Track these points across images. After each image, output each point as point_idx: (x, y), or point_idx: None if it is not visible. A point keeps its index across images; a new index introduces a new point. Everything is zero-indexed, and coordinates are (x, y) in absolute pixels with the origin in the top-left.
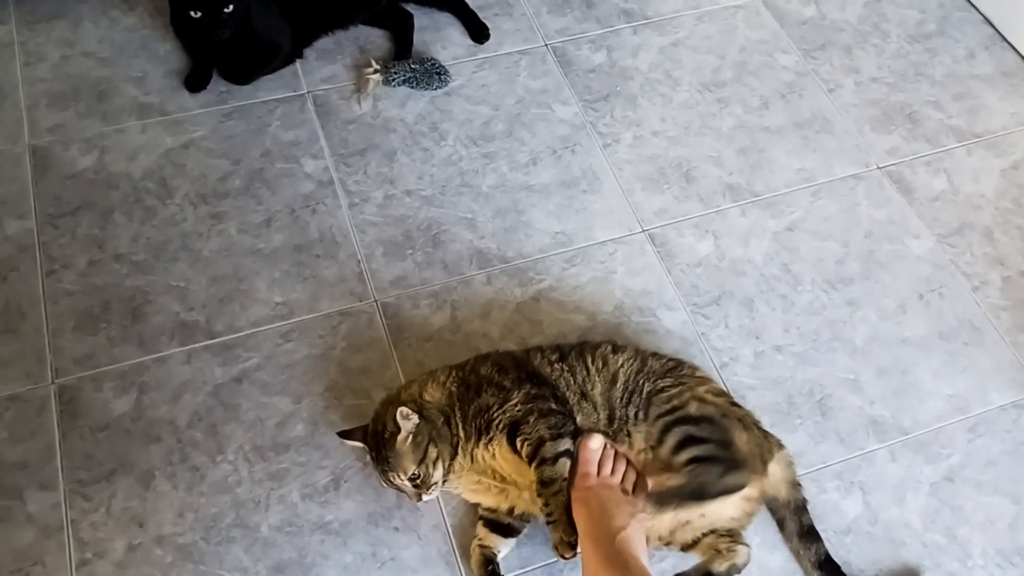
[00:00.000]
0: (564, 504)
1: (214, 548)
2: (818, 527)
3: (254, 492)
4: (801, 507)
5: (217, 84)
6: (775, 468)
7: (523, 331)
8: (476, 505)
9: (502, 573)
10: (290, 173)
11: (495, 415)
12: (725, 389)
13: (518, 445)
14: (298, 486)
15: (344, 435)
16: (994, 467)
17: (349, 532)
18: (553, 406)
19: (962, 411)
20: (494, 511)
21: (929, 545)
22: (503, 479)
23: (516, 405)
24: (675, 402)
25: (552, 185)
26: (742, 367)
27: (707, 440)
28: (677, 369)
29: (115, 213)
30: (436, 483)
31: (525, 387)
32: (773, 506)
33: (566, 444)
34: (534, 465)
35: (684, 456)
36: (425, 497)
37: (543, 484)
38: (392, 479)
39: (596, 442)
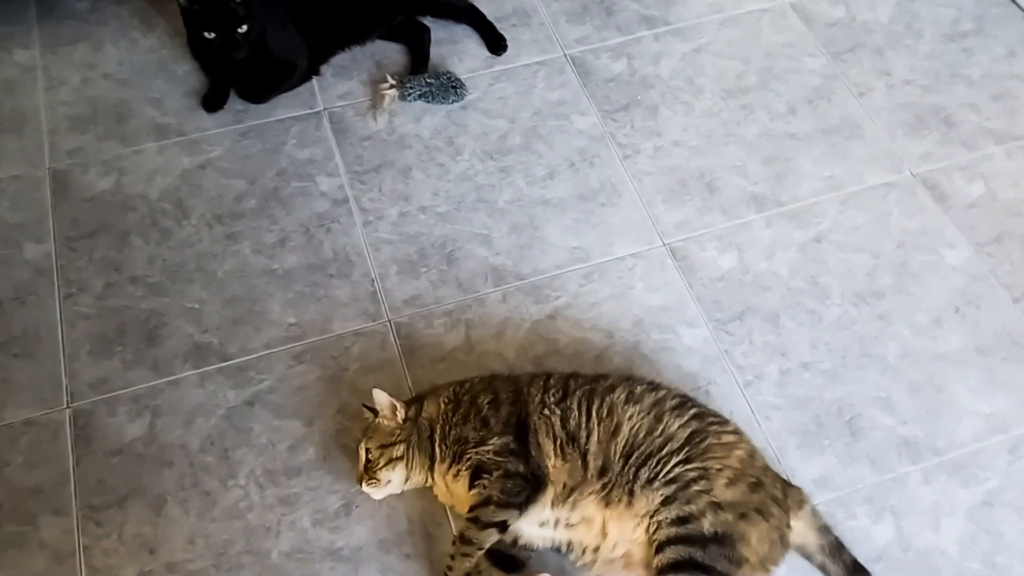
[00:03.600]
0: (466, 570)
1: (224, 575)
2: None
3: (265, 518)
4: (837, 546)
5: (234, 103)
6: (798, 524)
7: (538, 350)
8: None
9: None
10: (305, 192)
11: (469, 451)
12: (751, 449)
13: (471, 491)
14: (309, 511)
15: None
16: None
17: (360, 559)
18: (521, 469)
19: (1001, 431)
20: (498, 540)
21: (966, 574)
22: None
23: (489, 453)
24: (691, 508)
25: (569, 199)
26: (767, 385)
27: (707, 570)
28: (699, 437)
29: (132, 235)
30: (382, 481)
31: (506, 438)
32: (807, 554)
33: (505, 515)
34: (468, 516)
35: None
36: (365, 486)
37: (462, 539)
38: (359, 443)
39: None
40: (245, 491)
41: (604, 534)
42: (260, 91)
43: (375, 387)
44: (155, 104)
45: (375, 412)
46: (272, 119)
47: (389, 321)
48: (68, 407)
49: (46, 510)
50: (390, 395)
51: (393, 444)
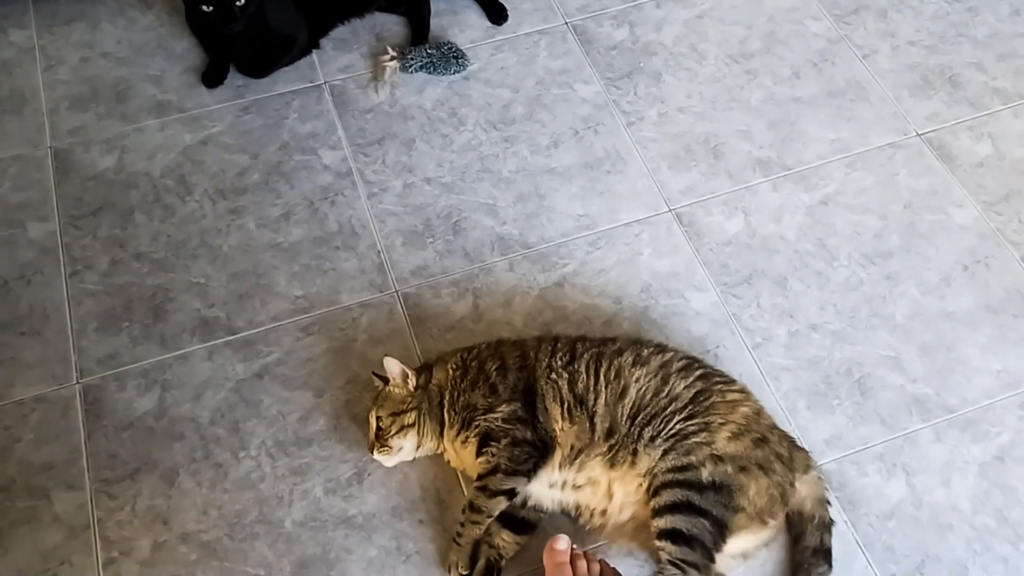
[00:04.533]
0: (475, 537)
1: (238, 545)
2: (859, 512)
3: (277, 488)
4: (826, 527)
5: (234, 79)
6: (802, 486)
7: (547, 317)
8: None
9: None
10: (308, 165)
11: (477, 418)
12: (757, 407)
13: (479, 459)
14: (321, 481)
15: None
16: None
17: (373, 526)
18: (528, 436)
19: (1012, 387)
20: (512, 504)
21: (979, 528)
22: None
23: (498, 420)
24: (691, 458)
25: (575, 167)
26: (776, 347)
27: (703, 513)
28: (704, 396)
29: (135, 212)
30: (394, 448)
31: (514, 405)
32: (795, 520)
33: (513, 483)
34: (476, 485)
35: (667, 523)
36: (377, 454)
37: (471, 507)
38: (370, 412)
39: (563, 543)
40: (257, 462)
41: (609, 496)
42: (260, 66)
43: (386, 355)
44: (155, 81)
45: (385, 380)
46: (273, 93)
47: (396, 292)
48: (77, 383)
49: (59, 485)
50: (401, 363)
51: (404, 411)
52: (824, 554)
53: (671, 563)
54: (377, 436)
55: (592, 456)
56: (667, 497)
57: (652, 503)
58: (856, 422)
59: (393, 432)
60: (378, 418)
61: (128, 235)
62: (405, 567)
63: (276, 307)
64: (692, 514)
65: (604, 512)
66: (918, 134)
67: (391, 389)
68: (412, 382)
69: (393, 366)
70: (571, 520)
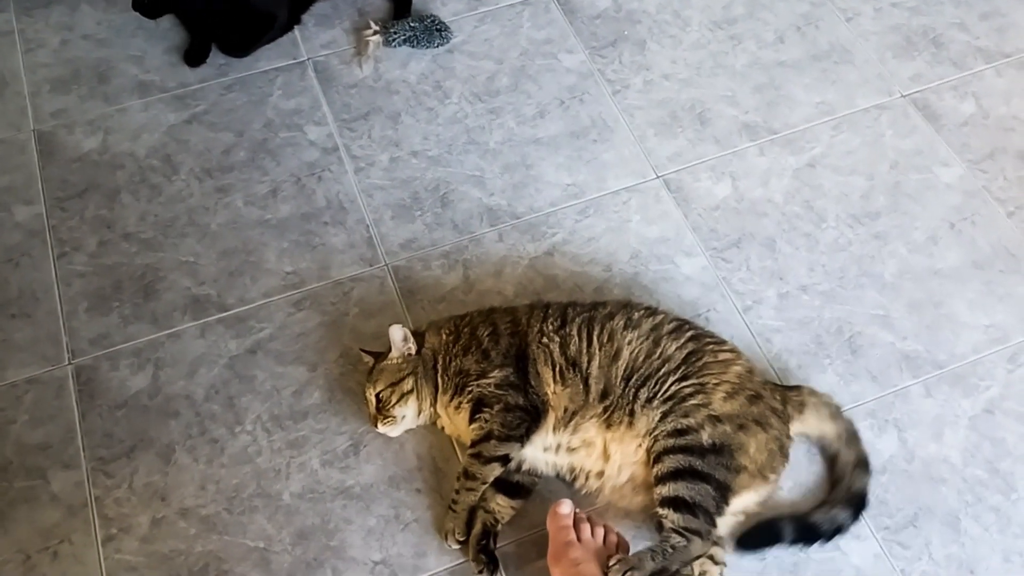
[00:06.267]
0: (470, 503)
1: (237, 518)
2: None
3: (274, 461)
4: (853, 435)
5: (216, 57)
6: (810, 415)
7: (537, 286)
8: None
9: (495, 550)
10: (294, 142)
11: (470, 384)
12: (749, 366)
13: (472, 425)
14: (318, 453)
15: (365, 350)
16: None
17: (371, 496)
18: (521, 401)
19: (1000, 341)
20: (507, 470)
21: (970, 480)
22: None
23: (490, 385)
24: (689, 421)
25: (561, 137)
26: (766, 309)
27: (705, 478)
28: (696, 356)
29: (122, 193)
30: (397, 418)
31: (506, 370)
32: (824, 444)
33: (507, 449)
34: (470, 452)
35: (670, 491)
36: (381, 427)
37: (466, 474)
38: (367, 390)
39: (566, 507)
40: (253, 436)
41: (606, 457)
42: (241, 44)
43: (393, 324)
44: (136, 62)
45: (375, 355)
46: (256, 71)
47: (386, 265)
48: (70, 363)
49: (55, 464)
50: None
51: (402, 379)
52: (865, 464)
53: (674, 531)
54: (378, 409)
55: (587, 418)
56: (669, 464)
57: (654, 470)
58: (847, 380)
59: (394, 402)
60: (377, 393)
61: (115, 216)
62: (404, 535)
63: (267, 283)
64: (695, 480)
65: (601, 474)
66: (903, 95)
67: (386, 362)
68: (412, 347)
69: (396, 332)
70: (567, 485)
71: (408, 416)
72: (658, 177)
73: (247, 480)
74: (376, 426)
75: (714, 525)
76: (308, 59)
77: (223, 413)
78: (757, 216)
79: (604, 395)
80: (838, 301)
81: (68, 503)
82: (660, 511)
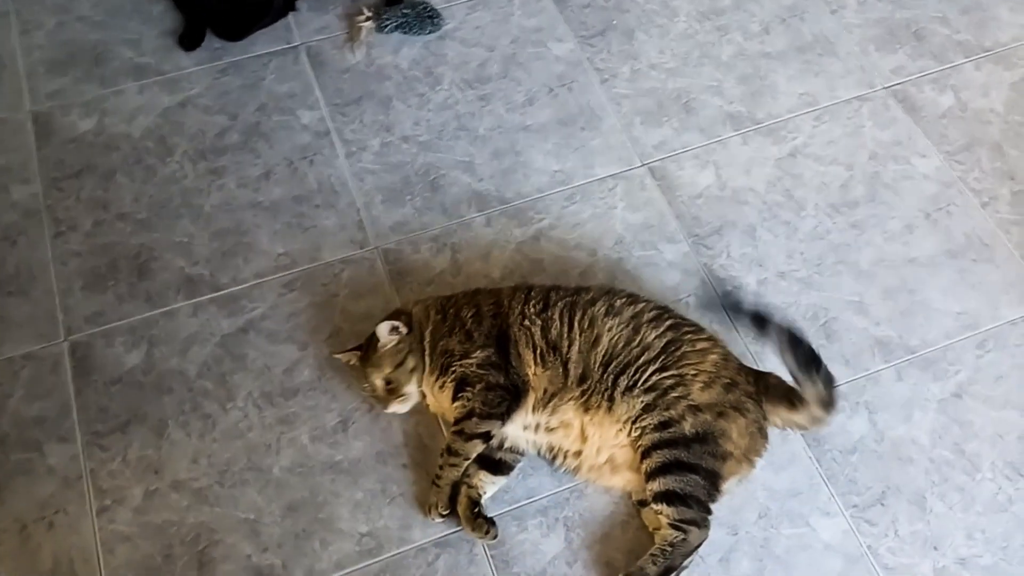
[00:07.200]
0: (453, 479)
1: (228, 491)
2: (823, 447)
3: (265, 436)
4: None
5: (211, 41)
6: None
7: (524, 270)
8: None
9: (487, 515)
10: (287, 125)
11: (454, 364)
12: (724, 352)
13: (454, 403)
14: (307, 429)
15: (340, 352)
16: (1004, 381)
17: (359, 471)
18: (502, 381)
19: (971, 328)
20: (489, 447)
21: (936, 461)
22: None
23: (473, 365)
24: (671, 413)
25: (550, 124)
26: (745, 295)
27: (693, 469)
28: (675, 345)
29: (117, 174)
30: (407, 395)
31: (489, 351)
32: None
33: (488, 426)
34: (453, 429)
35: (660, 486)
36: (395, 406)
37: (448, 451)
38: (372, 377)
39: None
40: (244, 412)
41: (584, 439)
42: (236, 28)
43: (379, 325)
44: (132, 45)
45: (359, 348)
46: (250, 55)
47: (376, 248)
48: (66, 340)
49: (51, 438)
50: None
51: (404, 359)
52: (810, 359)
53: (671, 525)
54: (390, 392)
55: (565, 400)
56: (657, 459)
57: (643, 466)
58: None
59: (403, 381)
60: (385, 379)
61: (111, 196)
62: (390, 508)
63: (259, 264)
64: (683, 471)
65: (579, 454)
66: (884, 87)
67: (382, 347)
68: (403, 328)
69: (383, 329)
70: (548, 462)
71: (415, 390)
72: (643, 165)
73: (238, 454)
74: (389, 408)
75: (709, 512)
76: (302, 44)
77: (215, 390)
78: (739, 204)
79: (583, 379)
80: (815, 288)
81: (63, 475)
82: (654, 507)
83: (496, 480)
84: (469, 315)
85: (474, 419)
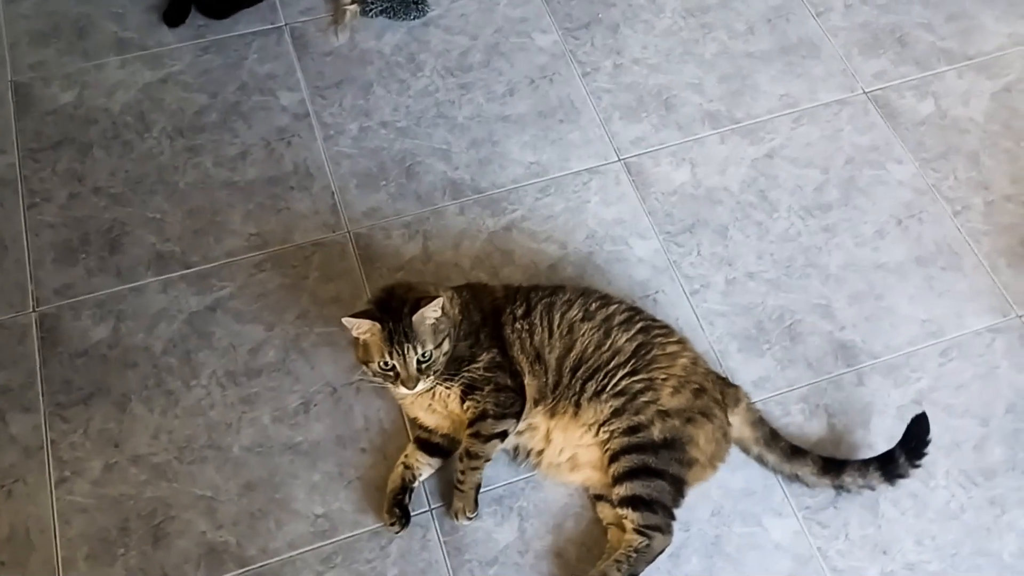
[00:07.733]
0: (477, 483)
1: (187, 467)
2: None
3: (226, 415)
4: (773, 436)
5: (195, 18)
6: (735, 419)
7: (494, 261)
8: (414, 424)
9: (409, 509)
10: (266, 106)
11: (463, 367)
12: (694, 356)
13: (465, 406)
14: (269, 409)
15: (354, 315)
16: (965, 391)
17: (318, 453)
18: (509, 382)
19: (935, 335)
20: (429, 431)
21: None
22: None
23: (479, 368)
24: (640, 418)
25: (529, 115)
26: (713, 294)
27: (660, 474)
28: (645, 349)
29: (94, 147)
30: (431, 377)
31: (493, 352)
32: (744, 447)
33: (505, 425)
34: (468, 432)
35: (627, 491)
36: (423, 384)
37: (468, 455)
38: (406, 351)
39: None
40: (207, 390)
41: (548, 440)
42: (221, 6)
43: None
44: (116, 19)
45: (389, 321)
46: (233, 34)
47: (348, 232)
48: (34, 311)
49: (14, 407)
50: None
51: (444, 339)
52: (797, 451)
53: (635, 531)
54: (422, 369)
55: (536, 405)
56: (624, 464)
57: (611, 470)
58: (784, 365)
59: (440, 360)
60: (424, 352)
61: (87, 169)
62: (346, 492)
63: (230, 244)
64: (650, 477)
65: (541, 452)
66: (865, 91)
67: (427, 322)
68: (449, 306)
69: (440, 301)
70: (508, 455)
71: (436, 370)
72: (620, 160)
73: (199, 432)
74: (413, 387)
75: (673, 518)
76: (286, 24)
77: (180, 367)
78: (712, 203)
79: (555, 387)
80: (783, 289)
81: (24, 445)
82: (620, 511)
83: (432, 462)
84: (478, 317)
85: (489, 420)
